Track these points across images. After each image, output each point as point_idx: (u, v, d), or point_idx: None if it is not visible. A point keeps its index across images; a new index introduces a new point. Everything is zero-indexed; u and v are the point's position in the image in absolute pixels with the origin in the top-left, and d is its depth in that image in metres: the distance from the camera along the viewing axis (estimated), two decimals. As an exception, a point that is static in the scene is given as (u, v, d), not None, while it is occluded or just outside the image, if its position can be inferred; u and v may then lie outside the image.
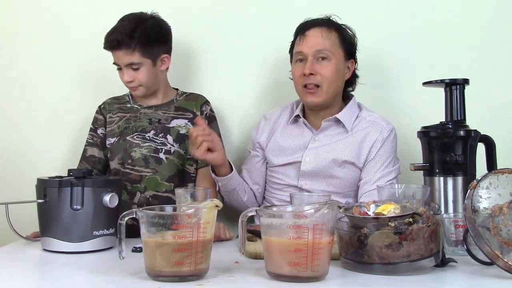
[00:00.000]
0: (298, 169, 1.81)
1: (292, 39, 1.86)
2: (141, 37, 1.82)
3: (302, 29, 1.81)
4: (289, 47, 1.87)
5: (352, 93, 1.90)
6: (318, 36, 1.77)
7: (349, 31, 1.82)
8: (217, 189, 1.85)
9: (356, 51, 1.84)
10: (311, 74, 1.74)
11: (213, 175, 1.79)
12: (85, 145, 1.98)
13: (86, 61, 2.18)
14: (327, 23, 1.79)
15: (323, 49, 1.75)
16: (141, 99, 1.97)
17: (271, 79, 2.14)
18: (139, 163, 1.87)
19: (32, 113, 2.21)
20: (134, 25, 1.83)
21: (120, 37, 1.80)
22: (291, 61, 1.86)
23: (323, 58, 1.75)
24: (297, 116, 1.86)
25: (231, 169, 1.78)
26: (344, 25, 1.82)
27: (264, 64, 2.14)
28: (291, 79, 1.85)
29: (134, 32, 1.81)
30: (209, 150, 1.67)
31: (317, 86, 1.75)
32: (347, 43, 1.80)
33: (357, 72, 1.87)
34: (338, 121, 1.81)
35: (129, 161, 1.88)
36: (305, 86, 1.76)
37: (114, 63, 1.87)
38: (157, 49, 1.87)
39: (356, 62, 1.84)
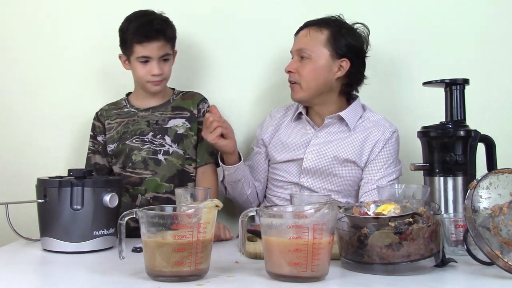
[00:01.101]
0: (300, 166, 1.81)
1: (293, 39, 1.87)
2: (172, 29, 1.88)
3: (297, 31, 1.84)
4: None
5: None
6: (304, 36, 1.80)
7: (356, 32, 1.81)
8: (221, 179, 1.86)
9: (357, 51, 1.80)
10: (290, 72, 1.80)
11: (220, 163, 1.81)
12: (88, 153, 1.97)
13: (87, 61, 2.17)
14: (319, 22, 1.80)
15: (303, 48, 1.78)
16: (138, 101, 1.96)
17: (272, 79, 2.13)
18: (139, 166, 1.87)
19: (32, 113, 2.20)
20: (164, 17, 1.88)
21: (160, 27, 1.83)
22: None
23: (303, 57, 1.78)
24: (300, 113, 1.87)
25: (240, 160, 1.80)
26: (349, 24, 1.81)
27: (266, 64, 2.13)
28: None
29: (168, 24, 1.87)
30: (222, 136, 1.72)
31: (297, 83, 1.79)
32: (339, 42, 1.77)
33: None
34: (341, 119, 1.81)
35: (130, 164, 1.88)
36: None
37: (140, 57, 1.82)
38: (174, 44, 1.92)
39: (351, 61, 1.77)
